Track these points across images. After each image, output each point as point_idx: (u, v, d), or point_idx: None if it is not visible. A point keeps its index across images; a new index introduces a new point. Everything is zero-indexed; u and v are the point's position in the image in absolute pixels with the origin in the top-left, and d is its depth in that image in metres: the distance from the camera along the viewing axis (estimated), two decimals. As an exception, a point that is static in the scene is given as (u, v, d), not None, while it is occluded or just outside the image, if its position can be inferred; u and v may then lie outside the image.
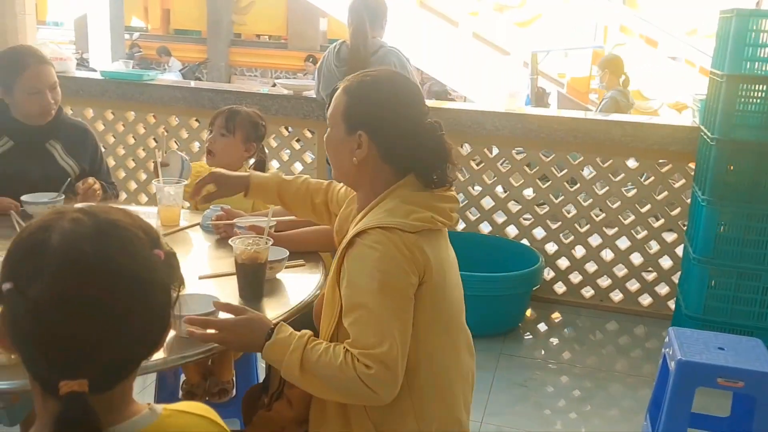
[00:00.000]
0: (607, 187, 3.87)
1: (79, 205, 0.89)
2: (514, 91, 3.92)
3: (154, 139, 4.47)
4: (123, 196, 4.54)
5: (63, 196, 2.31)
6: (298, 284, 1.85)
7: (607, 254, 3.95)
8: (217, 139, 2.53)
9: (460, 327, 1.54)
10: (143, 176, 4.54)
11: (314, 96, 3.97)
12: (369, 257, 1.37)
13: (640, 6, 8.80)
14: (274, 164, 4.31)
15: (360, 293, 1.37)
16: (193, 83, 4.56)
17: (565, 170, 3.90)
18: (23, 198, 2.25)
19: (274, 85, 11.40)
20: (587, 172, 3.91)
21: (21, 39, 4.51)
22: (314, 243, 2.06)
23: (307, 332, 1.42)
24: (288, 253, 1.86)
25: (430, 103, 4.52)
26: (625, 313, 3.90)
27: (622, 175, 3.84)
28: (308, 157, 4.34)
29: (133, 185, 4.56)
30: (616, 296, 3.96)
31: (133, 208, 2.56)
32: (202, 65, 11.86)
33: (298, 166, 4.34)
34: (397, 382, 1.35)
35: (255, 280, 1.69)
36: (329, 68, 3.62)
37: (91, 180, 2.39)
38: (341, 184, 1.82)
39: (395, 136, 1.48)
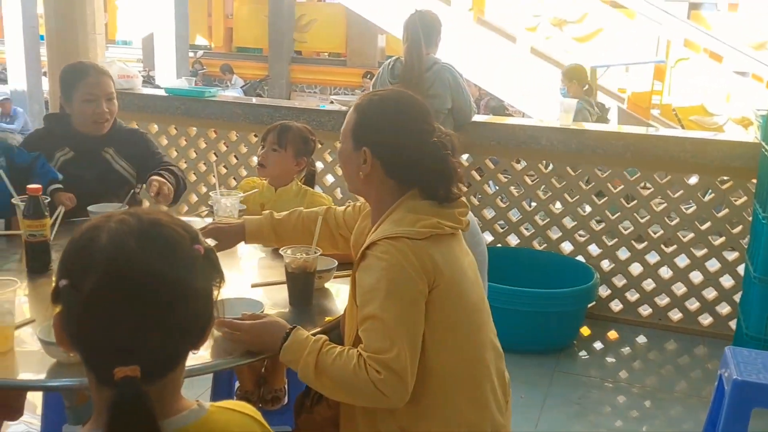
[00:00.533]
0: (666, 204, 3.78)
1: (124, 209, 0.96)
2: (569, 106, 3.89)
3: (215, 153, 4.61)
4: (184, 208, 4.70)
5: (127, 207, 2.41)
6: (346, 293, 1.88)
7: (666, 272, 3.85)
8: (269, 153, 2.61)
9: (480, 327, 1.55)
10: (203, 189, 4.68)
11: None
12: (376, 267, 1.43)
13: (705, 20, 8.59)
14: (329, 178, 4.38)
15: (369, 302, 1.41)
16: (253, 99, 4.68)
17: (622, 186, 3.84)
18: (90, 208, 2.37)
19: (332, 101, 11.62)
20: (645, 189, 3.84)
21: (91, 57, 4.72)
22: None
23: (323, 336, 1.47)
24: (336, 263, 1.90)
25: (485, 118, 4.53)
26: (684, 333, 3.79)
27: (681, 191, 3.75)
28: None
29: (194, 198, 4.70)
30: (675, 315, 3.86)
31: (191, 219, 2.66)
32: (263, 82, 12.14)
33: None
34: (407, 387, 1.38)
35: (304, 288, 1.74)
36: (384, 84, 3.67)
37: (155, 183, 2.39)
38: (341, 207, 1.90)
39: (396, 153, 1.53)
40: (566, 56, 7.39)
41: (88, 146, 2.63)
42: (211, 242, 1.94)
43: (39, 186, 1.94)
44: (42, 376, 1.41)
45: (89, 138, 2.63)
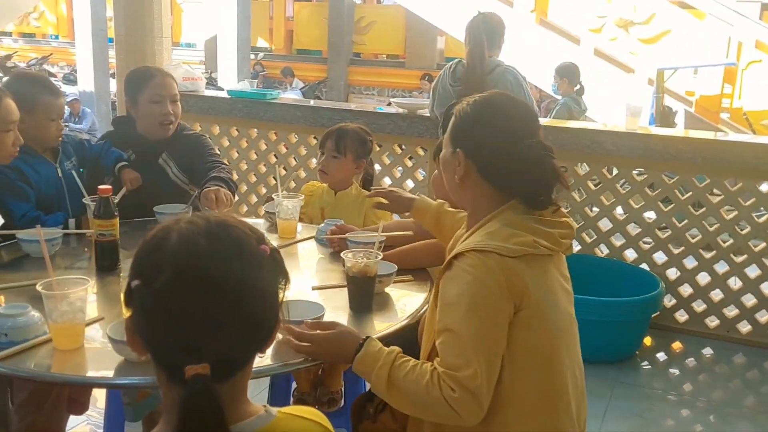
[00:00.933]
0: (736, 212, 3.64)
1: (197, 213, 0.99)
2: (635, 110, 3.78)
3: (275, 155, 4.67)
4: (244, 208, 4.77)
5: (191, 208, 2.45)
6: (406, 298, 1.88)
7: (735, 282, 3.71)
8: (330, 161, 2.62)
9: (565, 349, 1.48)
10: (263, 190, 4.74)
11: (428, 114, 4.00)
12: (461, 280, 1.38)
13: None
14: (386, 181, 4.38)
15: (449, 315, 1.38)
16: (312, 102, 4.72)
17: (690, 193, 3.71)
18: (156, 209, 2.42)
19: (390, 103, 11.64)
20: (714, 195, 3.70)
21: (158, 60, 4.85)
22: (422, 260, 2.08)
23: (396, 348, 1.44)
24: (396, 268, 1.89)
25: (546, 121, 4.45)
26: (754, 346, 3.64)
27: (753, 199, 3.60)
28: (420, 174, 4.37)
29: (254, 198, 4.77)
30: (744, 327, 3.70)
31: (252, 220, 2.69)
32: (322, 84, 12.26)
33: (409, 183, 4.38)
34: (481, 406, 1.33)
35: (364, 292, 1.73)
36: (444, 87, 3.64)
37: (211, 195, 2.34)
38: None
39: (490, 153, 1.48)
40: (632, 58, 7.22)
41: (150, 149, 2.68)
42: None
43: (110, 187, 1.98)
44: (110, 373, 1.44)
45: (151, 142, 2.68)
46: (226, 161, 2.85)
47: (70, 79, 12.54)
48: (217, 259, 0.90)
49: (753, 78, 7.02)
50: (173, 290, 0.88)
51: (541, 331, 1.42)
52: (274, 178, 4.71)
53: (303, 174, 4.57)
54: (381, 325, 1.67)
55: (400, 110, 4.21)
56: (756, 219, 3.62)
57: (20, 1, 11.16)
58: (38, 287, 1.50)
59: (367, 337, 1.47)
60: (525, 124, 1.52)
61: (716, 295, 3.73)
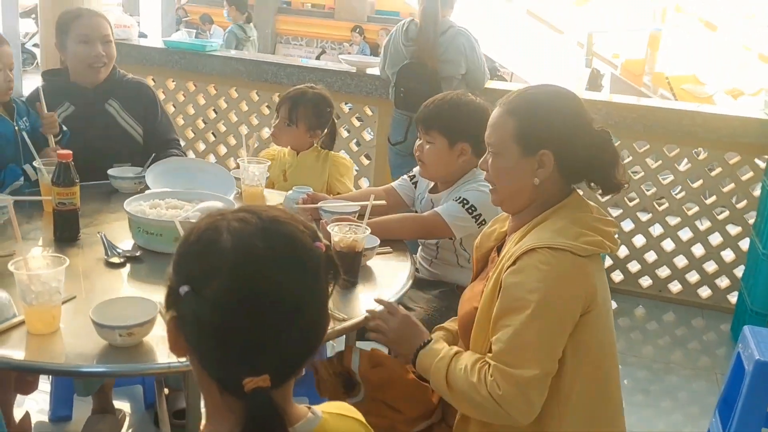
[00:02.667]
0: (672, 177, 3.80)
1: (238, 206, 0.91)
2: (581, 74, 3.84)
3: (214, 110, 4.50)
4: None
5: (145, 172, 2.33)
6: (388, 271, 1.86)
7: (668, 244, 3.89)
8: (282, 128, 2.55)
9: (614, 351, 1.49)
10: (202, 146, 4.57)
11: (377, 73, 3.93)
12: (533, 277, 1.33)
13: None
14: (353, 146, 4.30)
15: (514, 311, 1.34)
16: (258, 56, 4.55)
17: (630, 158, 3.83)
18: (110, 172, 2.29)
19: (322, 53, 11.42)
20: (652, 161, 3.84)
21: (86, 4, 4.53)
22: (400, 231, 2.06)
23: (456, 348, 1.44)
24: (379, 241, 1.87)
25: (497, 84, 4.46)
26: (683, 305, 3.86)
27: (689, 165, 3.76)
28: (367, 134, 4.32)
29: (190, 155, 4.59)
30: (675, 287, 3.91)
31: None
32: (248, 32, 11.82)
33: (355, 144, 4.33)
34: (532, 406, 1.32)
35: (351, 267, 1.70)
36: (396, 46, 3.58)
37: None
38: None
39: (574, 149, 1.44)
40: (562, 20, 7.32)
41: (89, 99, 2.49)
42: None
43: (69, 152, 1.85)
44: (93, 359, 1.36)
45: (89, 90, 2.49)
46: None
47: (-28, 18, 11.56)
48: (275, 264, 0.84)
49: (675, 43, 7.28)
50: (229, 299, 0.82)
51: (601, 332, 1.41)
52: (213, 134, 4.55)
53: (245, 130, 4.42)
54: (369, 301, 1.64)
55: (351, 69, 4.11)
56: (690, 184, 3.79)
57: None
58: (10, 266, 1.38)
59: (432, 338, 1.49)
60: (588, 112, 1.49)
61: (650, 256, 3.90)
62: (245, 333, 0.82)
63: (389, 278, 1.81)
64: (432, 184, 2.26)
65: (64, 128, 2.34)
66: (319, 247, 0.88)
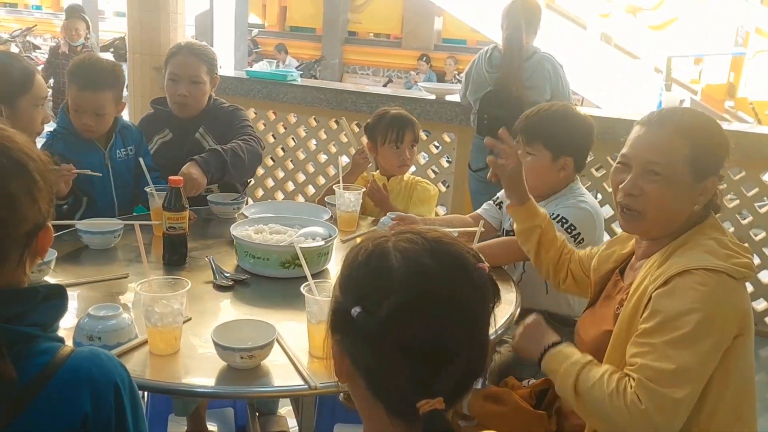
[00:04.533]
0: (738, 201, 3.65)
1: (399, 228, 0.91)
2: (668, 100, 3.75)
3: (293, 138, 4.57)
4: (259, 192, 4.67)
5: (245, 197, 2.38)
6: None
7: (765, 276, 3.72)
8: (412, 152, 2.58)
9: (754, 377, 1.45)
10: (281, 174, 4.65)
11: (457, 100, 3.93)
12: (690, 297, 1.30)
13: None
14: (411, 168, 4.30)
15: (669, 331, 1.29)
16: (336, 85, 4.62)
17: (724, 185, 3.69)
18: (209, 198, 2.33)
19: (389, 81, 11.54)
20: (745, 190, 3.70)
21: (171, 38, 4.71)
22: (503, 256, 2.03)
23: (591, 357, 1.40)
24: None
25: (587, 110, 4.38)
26: None
27: (756, 189, 3.62)
28: (444, 162, 4.31)
29: (270, 182, 4.68)
30: (771, 321, 3.73)
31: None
32: (317, 63, 12.07)
33: (433, 170, 4.32)
34: (672, 427, 1.27)
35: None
36: (479, 73, 3.57)
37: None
38: (578, 251, 1.80)
39: (721, 176, 1.42)
40: (638, 45, 7.18)
41: (185, 127, 2.58)
42: None
43: (180, 178, 1.90)
44: (212, 381, 1.37)
45: (184, 120, 2.58)
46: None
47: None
48: (448, 281, 0.83)
49: (760, 67, 7.03)
50: (404, 319, 0.81)
51: (748, 359, 1.38)
52: (291, 162, 4.62)
53: (323, 158, 4.48)
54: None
55: (429, 96, 4.12)
56: (758, 209, 3.63)
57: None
58: (136, 287, 1.42)
59: (565, 340, 1.44)
60: None
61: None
62: (420, 354, 0.81)
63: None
64: None
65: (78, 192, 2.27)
66: (482, 268, 0.87)
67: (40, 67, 10.56)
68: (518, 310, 1.78)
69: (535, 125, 2.07)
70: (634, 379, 1.29)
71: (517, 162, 1.76)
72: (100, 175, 2.26)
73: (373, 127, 2.59)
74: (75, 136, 2.27)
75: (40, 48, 12.95)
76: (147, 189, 2.11)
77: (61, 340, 1.00)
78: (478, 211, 2.36)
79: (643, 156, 1.41)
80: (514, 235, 2.16)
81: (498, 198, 2.33)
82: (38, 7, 15.54)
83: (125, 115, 2.92)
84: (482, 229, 2.06)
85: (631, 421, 1.27)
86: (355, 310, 0.83)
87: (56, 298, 0.99)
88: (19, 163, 0.95)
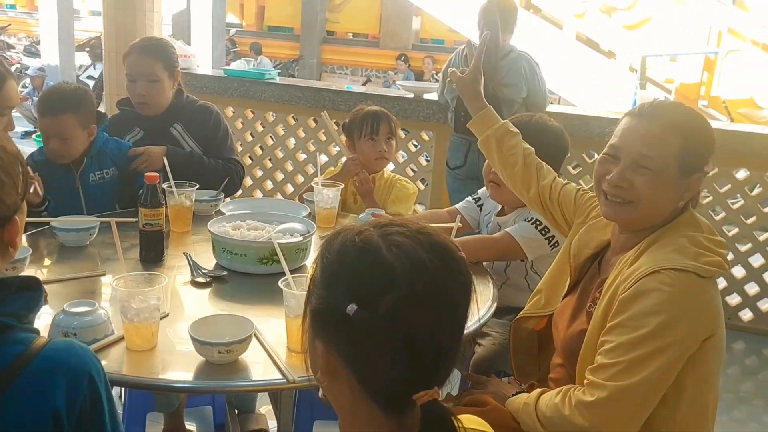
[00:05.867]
0: (742, 202, 3.71)
1: (376, 222, 0.90)
2: (642, 97, 3.80)
3: (271, 137, 4.56)
4: (239, 192, 4.64)
5: (222, 195, 2.37)
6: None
7: (739, 271, 3.78)
8: (390, 146, 2.58)
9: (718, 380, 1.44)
10: (259, 172, 4.63)
11: (436, 98, 3.95)
12: (655, 297, 1.27)
13: (750, 9, 8.41)
14: (389, 166, 4.31)
15: (628, 330, 1.28)
16: (316, 84, 4.61)
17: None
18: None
19: (368, 81, 11.54)
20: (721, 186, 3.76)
21: (148, 36, 4.67)
22: (476, 253, 2.04)
23: (538, 391, 1.42)
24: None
25: (560, 108, 4.41)
26: (755, 333, 3.74)
27: (760, 189, 3.68)
28: (423, 159, 4.33)
29: (248, 181, 4.66)
30: (746, 315, 3.79)
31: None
32: (295, 63, 12.04)
33: (412, 168, 4.33)
34: (620, 424, 1.27)
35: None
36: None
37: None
38: (572, 184, 1.78)
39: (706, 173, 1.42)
40: (613, 44, 7.26)
41: (156, 125, 2.55)
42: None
43: (156, 174, 1.89)
44: (190, 375, 1.37)
45: (156, 117, 2.55)
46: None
47: (32, 51, 12.03)
48: (443, 272, 0.83)
49: (731, 66, 7.13)
50: (406, 314, 0.80)
51: (719, 361, 1.36)
52: (270, 160, 4.61)
53: (302, 156, 4.48)
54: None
55: (408, 94, 4.14)
56: (730, 205, 3.70)
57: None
58: (112, 283, 1.41)
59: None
60: None
61: (719, 282, 3.79)
62: (420, 348, 0.81)
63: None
64: (499, 207, 2.24)
65: (49, 199, 2.19)
66: (463, 257, 0.88)
67: (14, 67, 10.44)
68: (495, 304, 1.80)
69: None
70: (576, 386, 1.32)
71: (476, 71, 1.88)
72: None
73: (350, 124, 2.59)
74: (48, 158, 2.26)
75: (14, 47, 12.78)
76: (165, 186, 2.08)
77: (37, 332, 0.99)
78: (457, 206, 2.37)
79: (634, 148, 1.38)
80: None
81: (480, 198, 2.34)
82: (12, 6, 15.31)
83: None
84: (459, 224, 2.07)
85: (574, 413, 1.28)
86: (352, 308, 0.81)
87: (30, 289, 0.99)
88: None
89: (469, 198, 2.37)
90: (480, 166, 3.45)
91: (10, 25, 13.15)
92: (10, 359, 0.92)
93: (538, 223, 2.02)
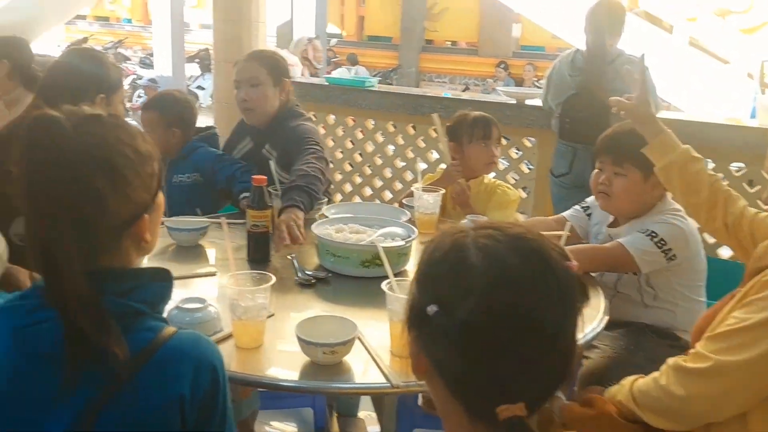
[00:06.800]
0: None
1: (477, 224, 0.87)
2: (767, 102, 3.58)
3: (371, 143, 4.60)
4: (338, 197, 4.72)
5: (325, 199, 2.39)
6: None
7: None
8: (496, 149, 2.58)
9: None
10: (358, 179, 4.68)
11: (539, 104, 3.86)
12: None
13: None
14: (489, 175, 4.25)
15: (755, 311, 1.25)
16: (415, 91, 4.63)
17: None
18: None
19: (466, 89, 11.50)
20: None
21: (253, 47, 4.83)
22: (582, 263, 1.96)
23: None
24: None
25: (671, 114, 4.24)
26: None
27: None
28: (525, 167, 4.24)
29: (348, 187, 4.72)
30: None
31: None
32: (393, 72, 12.14)
33: (513, 177, 4.26)
34: (712, 401, 1.23)
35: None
36: (561, 77, 3.50)
37: (284, 230, 1.93)
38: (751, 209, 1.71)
39: None
40: (728, 49, 6.89)
41: (258, 140, 2.58)
42: None
43: (264, 177, 1.93)
44: (296, 375, 1.39)
45: (258, 131, 2.56)
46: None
47: (146, 63, 12.73)
48: (532, 282, 0.79)
49: None
50: (484, 321, 0.77)
51: None
52: (369, 167, 4.65)
53: (400, 164, 4.49)
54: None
55: (510, 100, 4.07)
56: None
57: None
58: (223, 281, 1.45)
59: None
60: None
61: None
62: (500, 357, 0.77)
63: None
64: (611, 218, 2.15)
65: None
66: (570, 267, 0.82)
67: (130, 78, 11.08)
68: (606, 317, 1.72)
69: (623, 145, 1.98)
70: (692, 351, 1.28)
71: (643, 94, 1.83)
72: None
73: (456, 128, 2.58)
74: None
75: (130, 59, 13.55)
76: (271, 189, 2.11)
77: (165, 321, 1.05)
78: (564, 213, 2.30)
79: None
80: None
81: (588, 207, 2.25)
82: (128, 20, 16.26)
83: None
84: (569, 232, 2.00)
85: (685, 384, 1.25)
86: (432, 308, 0.79)
87: (162, 279, 1.06)
88: (106, 161, 1.00)
89: (577, 206, 2.29)
90: (587, 175, 3.36)
91: (126, 38, 13.98)
92: (142, 345, 0.97)
93: (653, 235, 1.92)
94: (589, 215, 2.25)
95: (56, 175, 0.97)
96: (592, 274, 2.02)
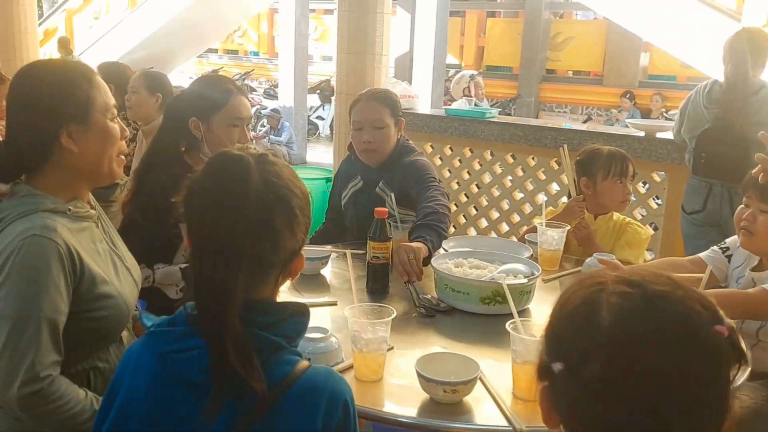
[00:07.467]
0: None
1: (618, 273, 0.81)
2: None
3: (488, 174, 4.54)
4: (451, 229, 4.68)
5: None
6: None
7: None
8: (630, 184, 2.51)
9: None
10: (473, 211, 4.63)
11: (669, 137, 3.68)
12: None
13: None
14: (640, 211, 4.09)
15: None
16: (534, 121, 4.55)
17: None
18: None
19: (588, 119, 11.20)
20: None
21: (375, 78, 4.89)
22: (736, 312, 1.81)
23: None
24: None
25: None
26: None
27: None
28: (653, 202, 4.04)
29: (462, 219, 4.67)
30: None
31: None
32: (512, 101, 12.02)
33: (640, 212, 4.06)
34: None
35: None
36: (696, 109, 3.32)
37: (405, 263, 1.91)
38: None
39: None
40: None
41: (371, 177, 2.51)
42: None
43: (385, 209, 1.94)
44: (413, 411, 1.36)
45: (371, 170, 2.50)
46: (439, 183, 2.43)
47: (270, 94, 13.33)
48: (663, 350, 0.72)
49: None
50: (609, 390, 0.73)
51: None
52: (485, 198, 4.59)
53: (519, 196, 4.40)
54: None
55: (638, 133, 3.90)
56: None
57: (229, 21, 11.97)
58: (345, 312, 1.45)
59: None
60: None
61: None
62: (629, 424, 0.72)
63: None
64: (755, 261, 1.98)
65: None
66: (720, 332, 0.75)
67: (254, 108, 11.61)
68: (749, 368, 1.58)
69: None
70: None
71: None
72: None
73: (589, 162, 2.49)
74: None
75: (256, 90, 14.24)
76: (390, 220, 2.08)
77: (300, 355, 1.06)
78: (701, 255, 2.14)
79: None
80: None
81: (726, 245, 2.10)
82: (256, 53, 17.10)
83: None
84: (707, 277, 1.87)
85: None
86: (557, 366, 0.76)
87: (301, 314, 1.08)
88: (284, 200, 1.04)
89: (715, 247, 2.13)
90: (722, 212, 3.17)
91: (253, 70, 14.71)
92: (280, 377, 0.99)
93: None
94: (728, 257, 2.09)
95: (241, 212, 1.00)
96: (732, 322, 1.86)
